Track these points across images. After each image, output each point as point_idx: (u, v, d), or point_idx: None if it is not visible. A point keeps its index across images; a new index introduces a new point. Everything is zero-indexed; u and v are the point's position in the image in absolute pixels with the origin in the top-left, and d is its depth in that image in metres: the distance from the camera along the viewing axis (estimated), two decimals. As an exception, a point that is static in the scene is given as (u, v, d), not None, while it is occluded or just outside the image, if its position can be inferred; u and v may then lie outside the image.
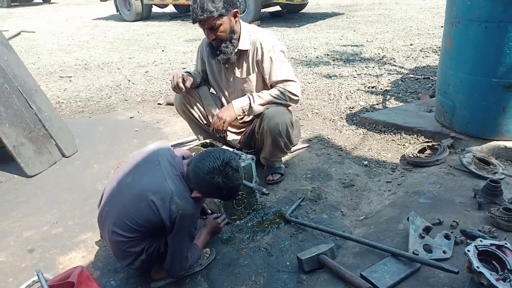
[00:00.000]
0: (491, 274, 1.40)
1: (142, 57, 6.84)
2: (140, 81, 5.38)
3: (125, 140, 3.33)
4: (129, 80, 5.42)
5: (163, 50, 7.29)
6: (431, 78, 4.35)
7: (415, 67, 4.86)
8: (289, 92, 2.31)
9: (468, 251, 1.47)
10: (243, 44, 2.32)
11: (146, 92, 4.88)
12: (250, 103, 2.30)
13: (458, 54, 2.66)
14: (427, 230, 1.79)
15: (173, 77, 2.34)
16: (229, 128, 2.56)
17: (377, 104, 3.79)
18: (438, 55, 5.18)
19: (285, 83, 2.31)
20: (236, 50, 2.31)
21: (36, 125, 3.04)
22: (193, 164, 1.60)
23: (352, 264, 1.74)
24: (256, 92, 2.39)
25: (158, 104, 4.42)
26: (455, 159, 2.50)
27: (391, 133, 3.06)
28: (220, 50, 2.27)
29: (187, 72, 2.49)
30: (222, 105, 2.54)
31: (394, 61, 5.22)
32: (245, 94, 2.39)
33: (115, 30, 9.82)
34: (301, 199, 2.35)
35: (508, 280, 1.40)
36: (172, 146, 3.20)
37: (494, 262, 1.52)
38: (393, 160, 2.77)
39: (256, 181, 2.27)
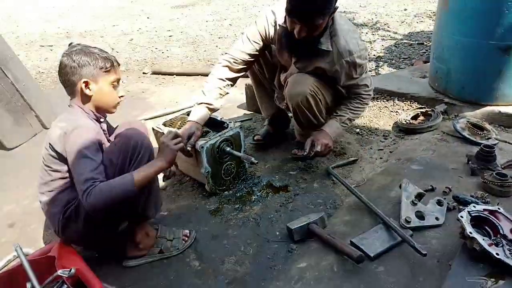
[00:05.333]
0: (484, 239, 1.37)
1: (126, 25, 6.57)
2: (124, 49, 5.17)
3: (109, 111, 3.20)
4: (112, 49, 5.20)
5: (148, 17, 6.99)
6: (425, 43, 4.24)
7: (409, 33, 4.73)
8: (367, 99, 2.21)
9: (461, 217, 1.44)
10: (322, 45, 1.97)
11: (131, 60, 4.70)
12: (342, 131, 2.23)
13: (454, 15, 2.54)
14: (419, 196, 1.75)
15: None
16: (279, 90, 2.44)
17: (370, 71, 3.68)
18: (432, 20, 5.04)
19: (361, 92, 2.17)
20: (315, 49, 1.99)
21: (14, 95, 2.89)
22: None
23: (343, 232, 1.70)
24: None
25: (143, 73, 4.26)
26: (449, 125, 2.44)
27: (384, 100, 2.98)
28: (304, 45, 1.94)
29: (190, 121, 2.04)
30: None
31: (388, 27, 5.07)
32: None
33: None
34: (353, 160, 2.36)
35: (501, 245, 1.38)
36: (158, 116, 3.11)
37: (487, 228, 1.48)
38: (385, 127, 2.71)
39: (244, 150, 2.20)
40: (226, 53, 2.19)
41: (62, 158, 1.50)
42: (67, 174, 1.53)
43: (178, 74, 4.16)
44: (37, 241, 1.93)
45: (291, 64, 2.19)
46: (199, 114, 2.06)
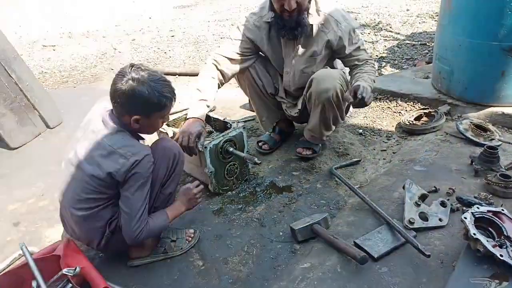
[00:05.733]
0: (487, 240, 1.37)
1: (129, 25, 6.58)
2: (127, 49, 5.18)
3: (112, 111, 3.21)
4: (115, 49, 5.22)
5: (150, 17, 7.01)
6: (427, 44, 4.23)
7: (411, 33, 4.72)
8: (373, 63, 2.16)
9: (465, 218, 1.44)
10: (313, 18, 2.07)
11: (133, 60, 4.71)
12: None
13: (457, 16, 2.54)
14: (423, 197, 1.75)
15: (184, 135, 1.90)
16: (287, 99, 2.41)
17: (372, 71, 3.68)
18: (435, 20, 5.03)
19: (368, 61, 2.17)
20: (309, 23, 2.06)
21: (17, 95, 2.90)
22: (109, 92, 1.48)
23: (346, 233, 1.71)
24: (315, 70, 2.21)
25: (146, 73, 4.26)
26: (452, 126, 2.44)
27: (387, 101, 2.98)
28: (297, 23, 2.00)
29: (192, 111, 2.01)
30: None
31: (390, 27, 5.06)
32: (304, 75, 2.20)
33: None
34: (356, 160, 2.35)
35: (505, 246, 1.38)
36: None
37: (490, 229, 1.49)
38: (388, 128, 2.71)
39: (247, 151, 2.20)
40: (213, 53, 2.22)
41: (116, 184, 1.47)
42: (114, 195, 1.52)
43: (180, 74, 4.17)
44: (42, 240, 1.93)
45: (288, 57, 2.21)
46: (201, 110, 2.04)
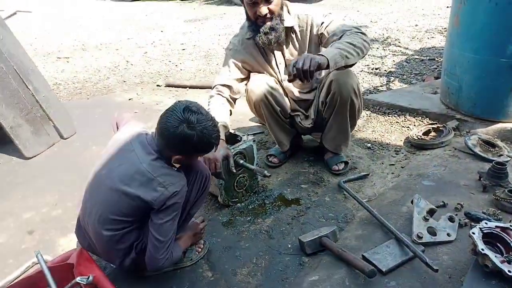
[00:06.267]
0: (496, 256, 1.38)
1: (141, 38, 6.72)
2: (139, 62, 5.29)
3: (124, 122, 3.28)
4: (127, 61, 5.33)
5: (162, 31, 7.16)
6: (436, 59, 4.26)
7: (420, 48, 4.76)
8: (361, 33, 1.98)
9: (473, 233, 1.45)
10: (288, 21, 2.16)
11: (145, 73, 4.81)
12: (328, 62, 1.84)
13: (465, 32, 2.57)
14: (431, 212, 1.76)
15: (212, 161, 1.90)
16: (297, 107, 2.44)
17: (381, 86, 3.72)
18: (443, 36, 5.07)
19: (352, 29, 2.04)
20: (283, 27, 2.14)
21: (34, 106, 2.99)
22: (157, 127, 1.49)
23: (355, 247, 1.72)
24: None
25: (157, 85, 4.35)
26: (460, 142, 2.45)
27: (395, 115, 3.01)
28: (270, 28, 2.08)
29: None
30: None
31: (399, 42, 5.11)
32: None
33: (113, 10, 9.63)
34: (365, 174, 2.36)
35: (513, 262, 1.38)
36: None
37: (498, 245, 1.49)
38: (396, 142, 2.73)
39: (257, 163, 2.24)
40: (215, 84, 2.30)
41: (147, 209, 1.48)
42: (140, 219, 1.54)
43: (191, 87, 4.24)
44: (55, 248, 1.98)
45: (281, 64, 2.28)
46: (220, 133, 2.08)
